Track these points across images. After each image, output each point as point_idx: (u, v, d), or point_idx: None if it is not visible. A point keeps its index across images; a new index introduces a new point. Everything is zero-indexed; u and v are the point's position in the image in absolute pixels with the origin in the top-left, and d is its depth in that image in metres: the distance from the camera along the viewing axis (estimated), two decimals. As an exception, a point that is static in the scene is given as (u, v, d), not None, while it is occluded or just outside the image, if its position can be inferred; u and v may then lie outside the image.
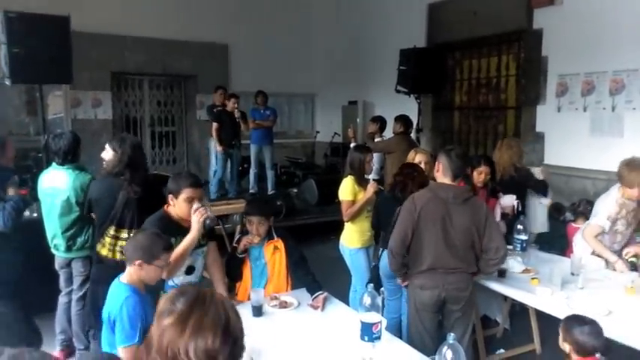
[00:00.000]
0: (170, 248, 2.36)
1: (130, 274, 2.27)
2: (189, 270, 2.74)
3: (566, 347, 2.27)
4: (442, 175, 2.91)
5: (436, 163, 2.99)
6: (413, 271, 2.88)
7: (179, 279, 2.69)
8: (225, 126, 7.16)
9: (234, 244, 3.15)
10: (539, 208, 4.42)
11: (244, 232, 3.14)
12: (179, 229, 2.63)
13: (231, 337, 1.18)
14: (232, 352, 1.18)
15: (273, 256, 3.13)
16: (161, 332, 1.17)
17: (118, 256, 3.12)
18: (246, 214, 3.17)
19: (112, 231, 3.14)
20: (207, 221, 2.59)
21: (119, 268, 2.38)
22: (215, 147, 7.34)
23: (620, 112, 5.32)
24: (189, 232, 2.61)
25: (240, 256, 3.09)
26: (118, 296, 2.21)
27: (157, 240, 2.31)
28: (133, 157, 3.14)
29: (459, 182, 4.27)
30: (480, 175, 4.02)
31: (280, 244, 3.11)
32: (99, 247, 3.24)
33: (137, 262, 2.22)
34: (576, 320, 2.28)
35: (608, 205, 3.49)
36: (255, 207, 3.17)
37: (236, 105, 7.11)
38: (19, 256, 3.31)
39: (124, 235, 3.11)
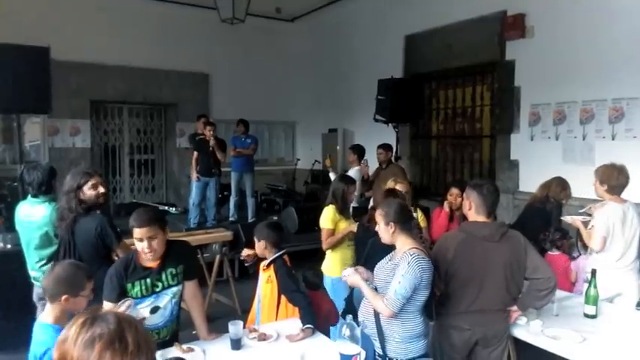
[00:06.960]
0: (91, 276, 2.25)
1: (54, 311, 2.15)
2: (154, 310, 2.59)
3: None
4: (475, 212, 2.76)
5: (465, 201, 2.86)
6: (447, 311, 2.74)
7: (145, 320, 2.52)
8: (204, 154, 7.18)
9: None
10: None
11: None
12: (142, 269, 2.53)
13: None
14: None
15: (265, 285, 3.05)
16: None
17: None
18: None
19: None
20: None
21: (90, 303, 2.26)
22: (193, 175, 7.35)
23: (590, 141, 5.50)
24: (150, 273, 2.55)
25: (247, 264, 3.33)
26: (44, 342, 2.08)
27: (77, 271, 2.22)
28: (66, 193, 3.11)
29: (444, 212, 4.40)
30: (452, 197, 4.36)
31: (272, 275, 3.00)
32: None
33: (63, 297, 2.13)
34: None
35: None
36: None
37: (211, 133, 7.11)
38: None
39: None
